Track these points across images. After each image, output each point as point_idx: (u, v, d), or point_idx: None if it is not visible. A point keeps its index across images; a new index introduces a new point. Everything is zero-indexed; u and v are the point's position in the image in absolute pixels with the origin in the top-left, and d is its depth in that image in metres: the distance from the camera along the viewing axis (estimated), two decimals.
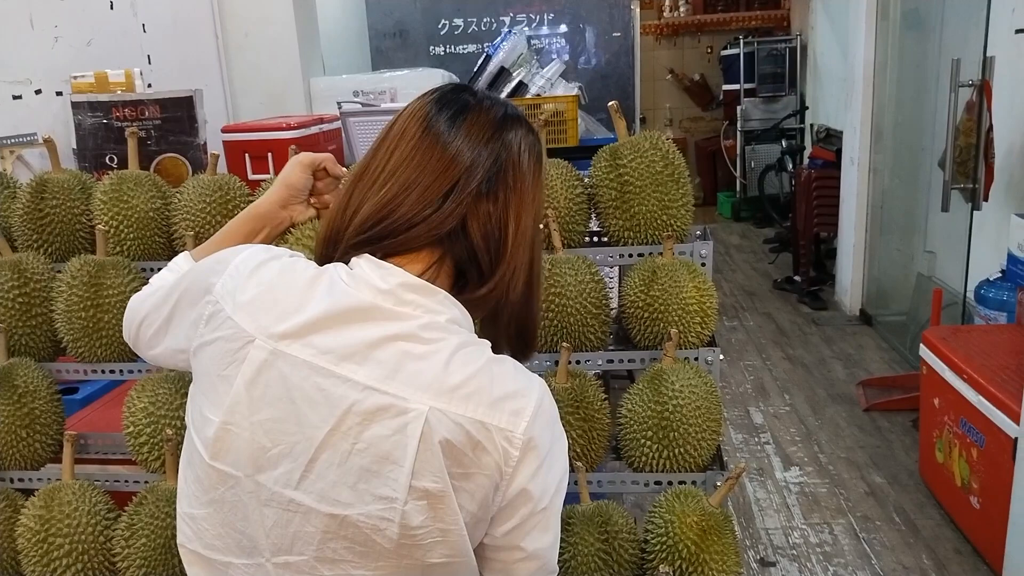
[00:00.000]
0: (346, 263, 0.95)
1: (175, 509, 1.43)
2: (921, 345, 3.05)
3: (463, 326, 0.93)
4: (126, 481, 1.65)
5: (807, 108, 7.08)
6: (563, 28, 6.37)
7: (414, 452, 0.83)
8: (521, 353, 1.04)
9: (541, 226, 1.02)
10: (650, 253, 1.60)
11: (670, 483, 1.50)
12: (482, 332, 1.00)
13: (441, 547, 0.86)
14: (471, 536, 0.88)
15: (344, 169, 1.27)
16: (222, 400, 0.89)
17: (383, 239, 0.92)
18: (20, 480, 1.66)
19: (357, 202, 0.95)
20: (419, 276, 0.91)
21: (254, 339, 0.88)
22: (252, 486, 0.89)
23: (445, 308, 0.91)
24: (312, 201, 1.26)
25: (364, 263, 0.92)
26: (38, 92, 3.12)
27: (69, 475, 1.56)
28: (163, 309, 1.04)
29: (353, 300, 0.88)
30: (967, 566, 2.66)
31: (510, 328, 1.02)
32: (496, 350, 0.94)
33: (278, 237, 1.26)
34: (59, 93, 3.21)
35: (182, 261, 1.21)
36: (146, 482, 1.60)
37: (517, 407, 0.87)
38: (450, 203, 0.91)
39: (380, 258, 0.92)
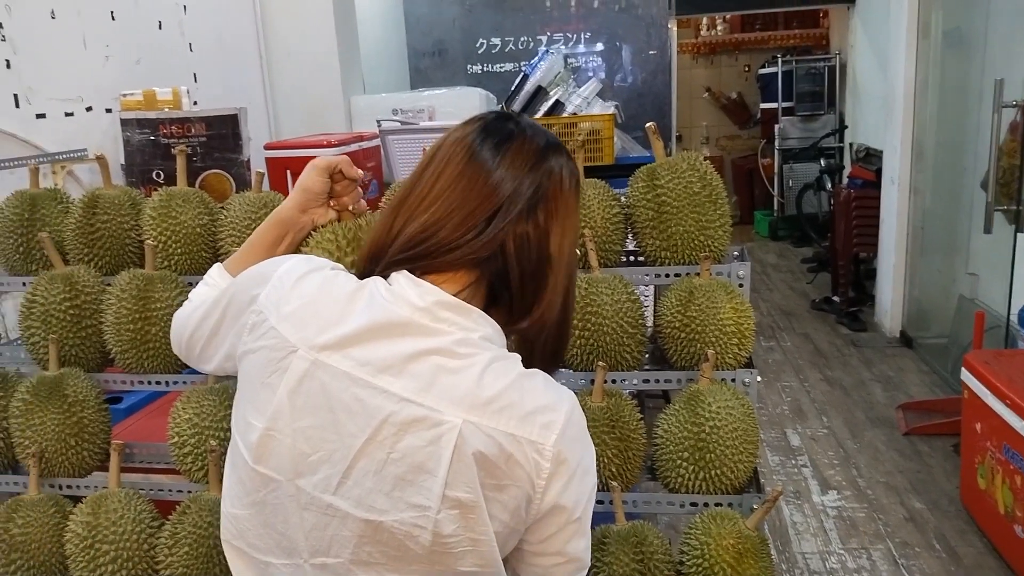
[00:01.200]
0: (385, 278, 0.98)
1: (217, 519, 1.46)
2: (963, 369, 3.00)
3: (495, 342, 0.96)
4: (170, 490, 1.69)
5: (846, 127, 7.01)
6: (600, 47, 6.40)
7: (448, 463, 0.86)
8: (550, 366, 1.07)
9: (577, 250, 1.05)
10: (687, 273, 1.61)
11: (706, 505, 1.49)
12: (517, 347, 1.03)
13: (472, 556, 0.89)
14: (502, 546, 0.91)
15: (360, 171, 1.30)
16: (265, 407, 0.93)
17: (423, 259, 0.95)
18: (68, 487, 1.71)
19: (402, 222, 0.98)
20: (455, 295, 0.95)
21: (297, 349, 0.92)
22: (293, 490, 0.92)
23: (478, 326, 0.94)
24: (331, 204, 1.29)
25: (403, 280, 0.95)
26: (89, 109, 3.22)
27: (115, 483, 1.60)
28: (209, 322, 1.08)
29: (391, 315, 0.92)
30: None
31: (545, 346, 1.05)
32: (527, 363, 0.97)
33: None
34: (108, 110, 3.30)
35: (216, 274, 1.25)
36: (189, 492, 1.63)
37: (547, 420, 0.89)
38: (491, 229, 0.94)
39: (419, 276, 0.95)
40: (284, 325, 0.94)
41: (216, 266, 1.26)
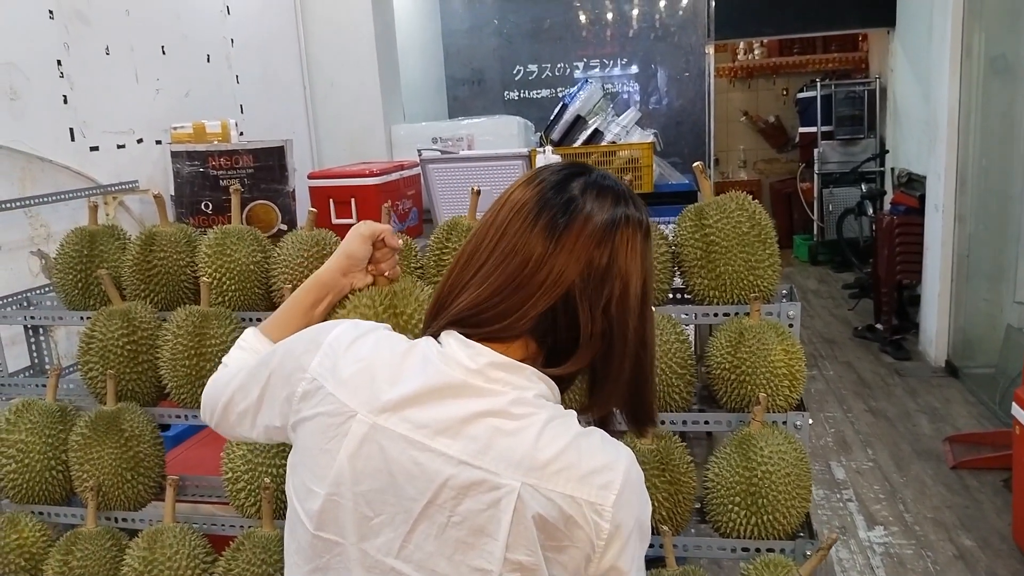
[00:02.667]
0: (436, 336, 0.99)
1: (271, 556, 1.48)
2: (1013, 404, 2.93)
3: (551, 399, 0.96)
4: (222, 525, 1.71)
5: (887, 151, 6.93)
6: (635, 70, 6.42)
7: (508, 526, 0.87)
8: (637, 428, 1.07)
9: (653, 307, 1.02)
10: (736, 313, 1.60)
11: (758, 550, 1.48)
12: (593, 406, 1.02)
13: None
14: None
15: (400, 241, 1.33)
16: (326, 473, 0.93)
17: (478, 327, 0.96)
18: (124, 520, 1.74)
19: (462, 284, 0.98)
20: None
21: (356, 414, 0.93)
22: (357, 553, 0.93)
23: (532, 384, 0.94)
24: (370, 269, 1.31)
25: (453, 342, 0.96)
26: (140, 141, 3.30)
27: (171, 518, 1.63)
28: (253, 389, 1.07)
29: (446, 377, 0.92)
30: None
31: (623, 404, 1.03)
32: (606, 420, 0.98)
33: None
34: (158, 142, 3.39)
35: (252, 338, 1.24)
36: (242, 527, 1.65)
37: (606, 481, 0.89)
38: (548, 311, 0.92)
39: (477, 340, 0.95)
40: (342, 390, 0.94)
41: (251, 330, 1.25)
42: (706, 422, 1.59)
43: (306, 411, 0.97)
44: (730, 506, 1.46)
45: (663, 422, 1.57)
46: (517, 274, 0.93)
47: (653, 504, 1.49)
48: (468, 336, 0.96)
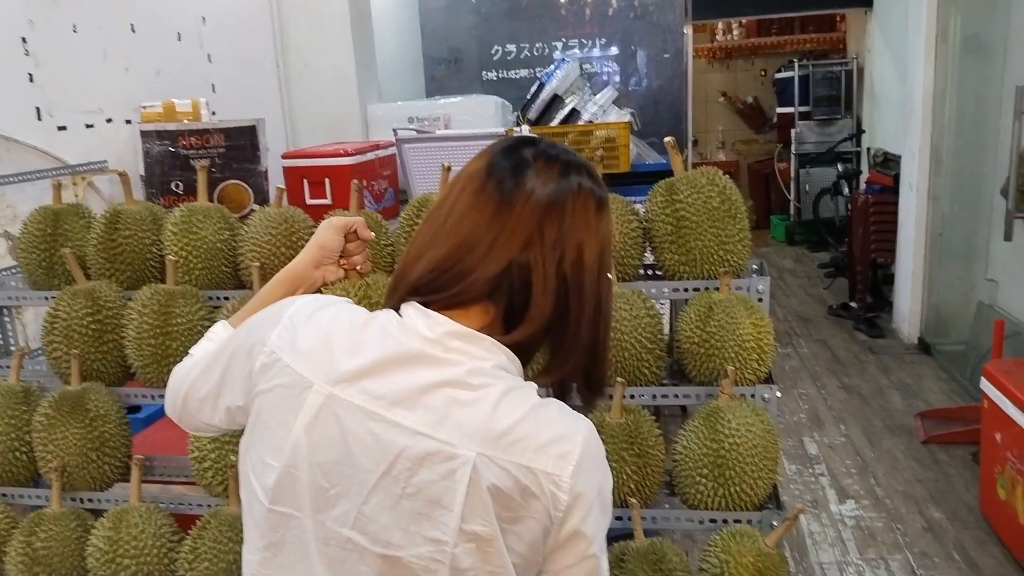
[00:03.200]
0: (397, 311, 0.98)
1: (238, 535, 1.48)
2: (982, 379, 2.97)
3: (510, 371, 0.95)
4: (190, 504, 1.70)
5: (863, 132, 6.97)
6: (615, 51, 6.39)
7: (463, 497, 0.86)
8: (589, 396, 1.06)
9: (610, 275, 1.01)
10: (706, 288, 1.60)
11: (725, 521, 1.49)
12: (549, 372, 1.02)
13: None
14: None
15: (372, 233, 1.32)
16: (282, 445, 0.92)
17: (435, 293, 0.95)
18: (90, 500, 1.72)
19: (419, 254, 0.98)
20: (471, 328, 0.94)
21: (312, 385, 0.92)
22: (312, 525, 0.92)
23: (491, 354, 0.94)
24: (342, 263, 1.31)
25: (412, 311, 0.96)
26: (109, 121, 3.25)
27: (136, 498, 1.61)
28: (213, 371, 1.06)
29: (403, 347, 0.92)
30: None
31: (577, 375, 1.03)
32: (560, 394, 0.97)
33: None
34: (128, 121, 3.33)
35: (220, 330, 1.23)
36: (209, 506, 1.64)
37: (563, 451, 0.88)
38: (495, 262, 0.93)
39: (437, 311, 0.95)
40: (299, 362, 0.94)
41: (220, 323, 1.24)
42: (675, 396, 1.59)
43: (263, 384, 0.96)
44: (698, 478, 1.46)
45: (632, 396, 1.58)
46: (468, 237, 0.94)
47: (622, 477, 1.50)
48: (427, 305, 0.95)
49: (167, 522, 1.60)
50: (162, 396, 1.75)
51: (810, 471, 3.54)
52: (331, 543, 0.91)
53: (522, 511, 0.87)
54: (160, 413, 2.59)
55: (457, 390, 0.89)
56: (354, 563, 0.91)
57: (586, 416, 0.95)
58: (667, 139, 1.68)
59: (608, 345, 1.04)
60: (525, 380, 0.97)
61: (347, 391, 0.90)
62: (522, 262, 0.93)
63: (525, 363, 1.00)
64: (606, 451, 1.47)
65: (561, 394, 1.04)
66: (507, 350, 0.95)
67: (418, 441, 0.87)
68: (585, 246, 0.96)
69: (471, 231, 0.94)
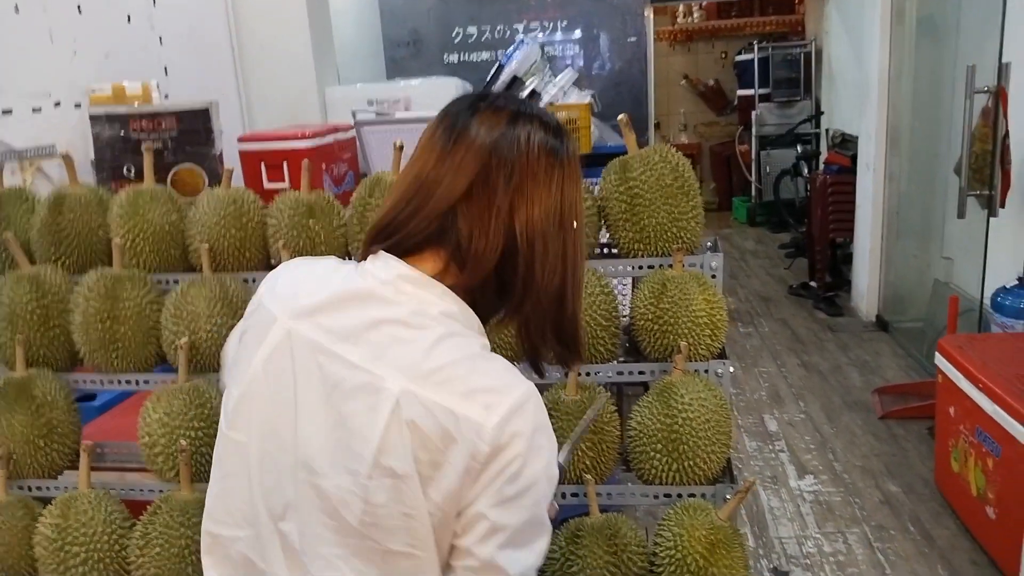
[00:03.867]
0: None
1: (189, 519, 1.46)
2: (936, 353, 3.03)
3: (460, 321, 0.95)
4: (141, 490, 1.67)
5: (822, 113, 7.04)
6: (577, 34, 6.38)
7: (382, 430, 0.86)
8: (566, 360, 1.08)
9: (575, 224, 1.00)
10: (660, 265, 1.61)
11: (679, 496, 1.50)
12: (506, 317, 1.03)
13: (403, 534, 0.88)
14: (439, 537, 0.89)
15: None
16: (244, 375, 0.98)
17: (393, 235, 0.97)
18: (38, 488, 1.69)
19: (384, 203, 1.02)
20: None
21: (277, 319, 0.97)
22: (257, 452, 0.96)
23: (440, 300, 0.95)
24: None
25: (373, 257, 0.99)
26: (57, 105, 3.17)
27: (85, 484, 1.58)
28: (236, 333, 1.14)
29: (356, 286, 0.96)
30: None
31: (545, 334, 1.02)
32: (539, 357, 1.01)
33: None
34: (78, 105, 3.25)
35: None
36: (161, 491, 1.62)
37: (492, 401, 0.87)
38: (432, 208, 0.94)
39: (396, 256, 0.97)
40: (273, 302, 0.99)
41: None
42: (630, 372, 1.60)
43: (246, 324, 1.04)
44: (652, 453, 1.47)
45: (588, 373, 1.58)
46: (416, 179, 0.96)
47: (577, 454, 1.50)
48: (388, 251, 0.98)
49: (118, 508, 1.57)
50: (111, 382, 1.72)
51: (770, 447, 3.59)
52: (271, 471, 0.94)
53: (440, 456, 0.86)
54: (115, 401, 2.55)
55: (399, 328, 0.91)
56: (289, 491, 0.92)
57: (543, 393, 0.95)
58: (620, 116, 1.68)
59: (579, 303, 1.04)
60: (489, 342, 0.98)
61: (303, 325, 0.94)
62: (465, 206, 0.94)
63: (484, 319, 1.00)
64: (560, 428, 1.49)
65: (535, 360, 1.05)
66: (459, 300, 0.96)
67: (355, 374, 0.89)
68: (535, 198, 0.96)
69: (419, 173, 0.96)
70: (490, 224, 0.94)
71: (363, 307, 0.93)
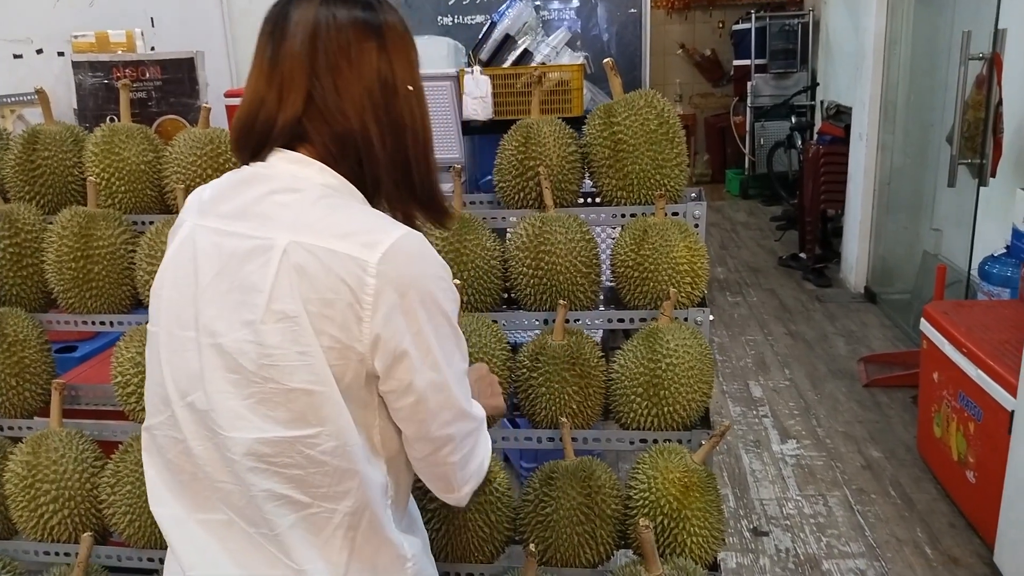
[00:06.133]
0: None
1: None
2: (922, 319, 3.03)
3: (341, 192, 1.00)
4: (114, 432, 1.65)
5: (818, 84, 6.99)
6: (574, 3, 6.30)
7: (273, 278, 0.92)
8: (437, 220, 1.10)
9: (411, 88, 1.02)
10: (643, 213, 1.59)
11: (655, 441, 1.49)
12: (390, 205, 1.06)
13: (302, 371, 0.92)
14: (339, 372, 0.93)
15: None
16: (161, 273, 1.04)
17: (269, 131, 1.00)
18: (11, 428, 1.67)
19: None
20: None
21: (184, 222, 1.04)
22: (166, 338, 1.01)
23: (320, 175, 0.99)
24: None
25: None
26: (39, 52, 3.11)
27: (57, 423, 1.56)
28: None
29: (244, 173, 1.02)
30: (960, 539, 2.66)
31: (407, 201, 1.06)
32: (412, 222, 1.04)
33: None
34: (60, 53, 3.20)
35: None
36: (135, 432, 1.60)
37: (371, 240, 0.93)
38: (274, 93, 0.98)
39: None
40: (190, 212, 1.05)
41: None
42: (610, 320, 1.59)
43: None
44: (632, 397, 1.46)
45: (567, 321, 1.56)
46: (255, 98, 1.00)
47: (563, 399, 1.50)
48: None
49: (89, 447, 1.56)
50: (85, 323, 1.70)
51: (754, 412, 3.60)
52: (178, 350, 0.99)
53: (330, 293, 0.91)
54: (96, 351, 2.53)
55: (281, 195, 0.97)
56: (192, 361, 0.97)
57: None
58: (605, 61, 1.65)
59: (428, 165, 1.06)
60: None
61: (206, 219, 1.01)
62: (305, 108, 0.98)
63: (370, 196, 1.03)
64: (547, 372, 1.48)
65: (407, 220, 1.07)
66: (342, 179, 1.00)
67: (248, 242, 0.95)
68: (354, 77, 0.98)
69: (253, 93, 1.00)
70: (330, 114, 0.98)
71: (249, 187, 0.99)
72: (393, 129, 1.01)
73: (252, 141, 1.01)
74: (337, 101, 0.97)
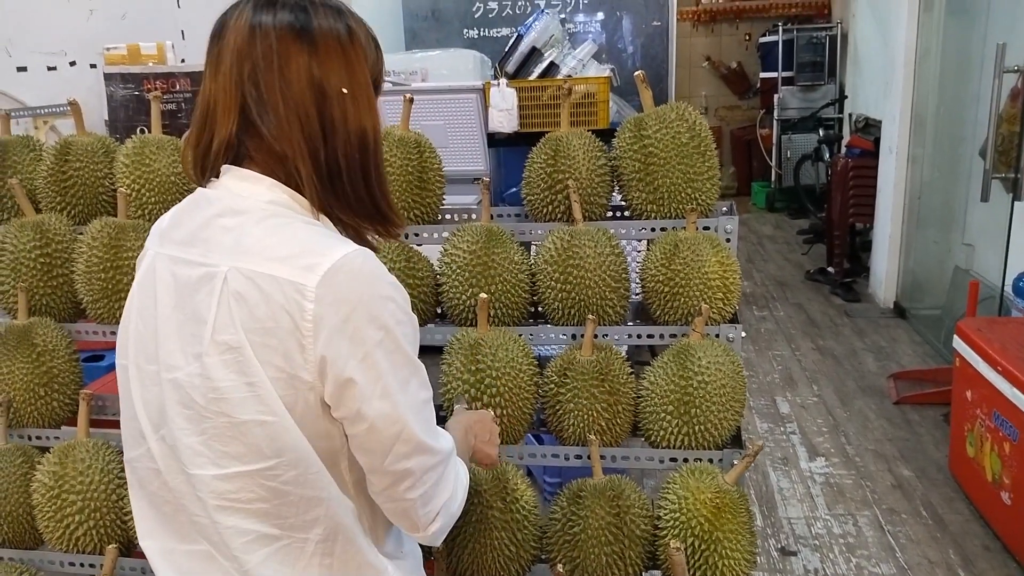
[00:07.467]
0: None
1: None
2: (955, 336, 2.97)
3: (290, 208, 0.96)
4: None
5: (846, 97, 6.93)
6: (600, 16, 6.30)
7: (215, 309, 0.90)
8: (386, 232, 1.05)
9: (344, 90, 0.96)
10: (673, 227, 1.57)
11: (686, 460, 1.47)
12: (333, 219, 1.01)
13: (251, 403, 0.89)
14: (289, 400, 0.89)
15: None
16: (128, 306, 1.02)
17: (220, 153, 0.97)
18: (38, 438, 1.68)
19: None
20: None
21: (147, 251, 1.02)
22: (135, 371, 0.99)
23: (269, 192, 0.96)
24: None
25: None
26: (72, 64, 3.15)
27: (84, 433, 1.57)
28: None
29: (195, 196, 1.00)
30: (995, 562, 2.59)
31: (353, 211, 1.00)
32: (360, 236, 1.01)
33: None
34: (93, 65, 3.24)
35: None
36: None
37: (311, 262, 0.89)
38: (224, 124, 0.95)
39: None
40: (154, 239, 1.03)
41: None
42: (639, 336, 1.56)
43: None
44: (662, 415, 1.44)
45: (596, 336, 1.54)
46: (204, 109, 0.97)
47: (592, 415, 1.47)
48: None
49: (115, 458, 1.56)
50: (112, 333, 1.70)
51: (781, 429, 3.55)
52: (146, 383, 0.97)
53: (270, 322, 0.88)
54: None
55: (225, 219, 0.94)
56: (156, 396, 0.95)
57: None
58: (637, 73, 1.63)
59: (374, 173, 1.01)
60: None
61: (165, 247, 0.99)
62: (245, 120, 0.94)
63: (325, 210, 0.98)
64: (576, 388, 1.46)
65: (360, 239, 1.02)
66: (292, 192, 0.97)
67: (196, 270, 0.93)
68: (285, 87, 0.93)
69: (204, 100, 0.97)
70: (262, 125, 0.94)
71: (198, 211, 0.97)
72: (325, 135, 0.96)
73: (200, 160, 0.98)
74: (265, 111, 0.93)
